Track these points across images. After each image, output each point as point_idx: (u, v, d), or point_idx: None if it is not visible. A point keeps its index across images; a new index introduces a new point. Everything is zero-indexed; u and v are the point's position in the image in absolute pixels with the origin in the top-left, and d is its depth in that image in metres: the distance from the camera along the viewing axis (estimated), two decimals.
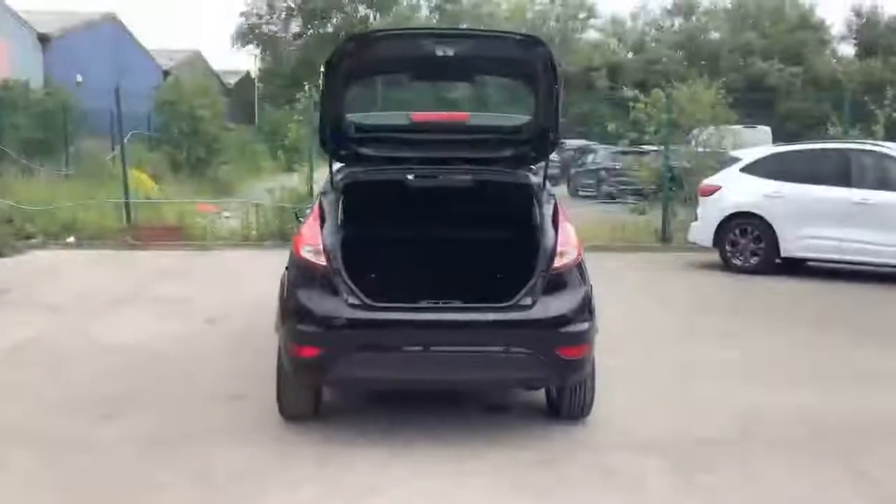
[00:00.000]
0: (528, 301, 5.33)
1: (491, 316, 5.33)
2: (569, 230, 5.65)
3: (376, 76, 7.18)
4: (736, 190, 12.79)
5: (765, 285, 11.79)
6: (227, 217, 17.20)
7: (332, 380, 5.55)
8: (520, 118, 6.45)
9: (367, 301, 5.27)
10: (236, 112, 40.59)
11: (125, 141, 16.77)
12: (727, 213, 12.73)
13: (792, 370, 7.53)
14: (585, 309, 5.46)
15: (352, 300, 5.27)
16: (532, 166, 6.44)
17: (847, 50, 52.93)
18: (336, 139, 6.05)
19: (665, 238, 15.72)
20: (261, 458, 5.31)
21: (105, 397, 6.47)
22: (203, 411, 6.17)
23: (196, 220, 16.20)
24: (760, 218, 12.45)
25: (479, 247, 6.59)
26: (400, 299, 5.56)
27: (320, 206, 5.73)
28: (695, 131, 16.11)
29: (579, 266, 5.57)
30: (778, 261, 12.48)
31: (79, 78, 27.37)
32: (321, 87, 5.87)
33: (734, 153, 13.97)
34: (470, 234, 6.56)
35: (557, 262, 5.45)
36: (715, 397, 6.61)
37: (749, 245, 12.60)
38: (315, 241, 5.45)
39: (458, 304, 5.63)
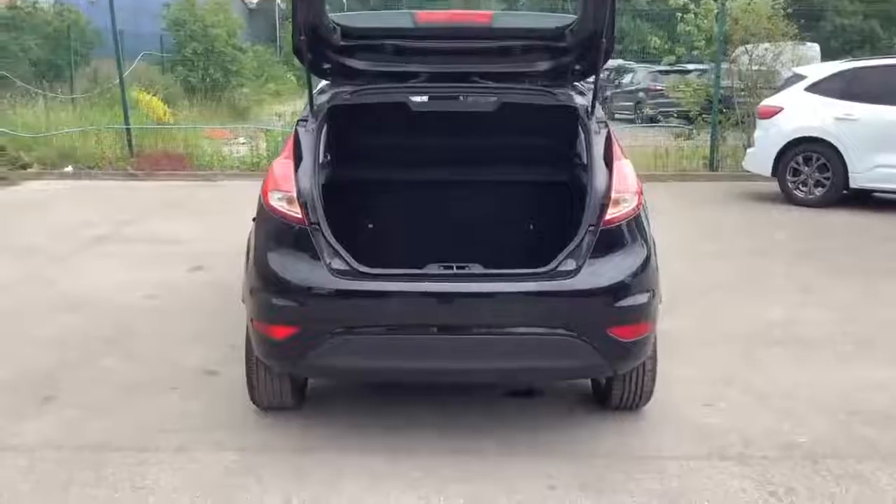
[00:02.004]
0: (571, 265, 4.04)
1: (521, 286, 4.05)
2: (626, 170, 4.32)
3: None
4: (800, 112, 11.33)
5: (834, 221, 10.40)
6: (242, 144, 16.03)
7: (313, 369, 4.30)
8: (561, 18, 4.99)
9: (358, 266, 4.03)
10: (259, 33, 39.31)
11: (136, 62, 15.72)
12: (790, 139, 11.31)
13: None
14: (647, 275, 4.17)
15: (337, 265, 4.03)
16: (578, 83, 5.05)
17: None
18: (316, 47, 4.66)
19: (713, 166, 14.31)
20: (221, 469, 4.13)
21: (48, 373, 5.31)
22: (156, 398, 4.95)
23: (204, 148, 15.02)
24: (828, 144, 11.05)
25: (506, 193, 5.22)
26: (401, 263, 4.32)
27: (296, 140, 4.42)
28: (748, 46, 14.50)
29: (639, 218, 4.25)
30: (845, 192, 11.10)
31: None
32: None
33: (798, 70, 12.43)
34: (494, 176, 5.18)
35: (611, 213, 4.14)
36: (809, 377, 5.30)
37: (814, 174, 11.22)
38: (287, 186, 4.17)
39: (477, 269, 4.32)
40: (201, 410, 4.75)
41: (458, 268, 4.27)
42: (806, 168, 11.24)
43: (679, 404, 4.79)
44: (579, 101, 4.73)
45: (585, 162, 4.42)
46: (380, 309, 4.07)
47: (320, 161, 4.41)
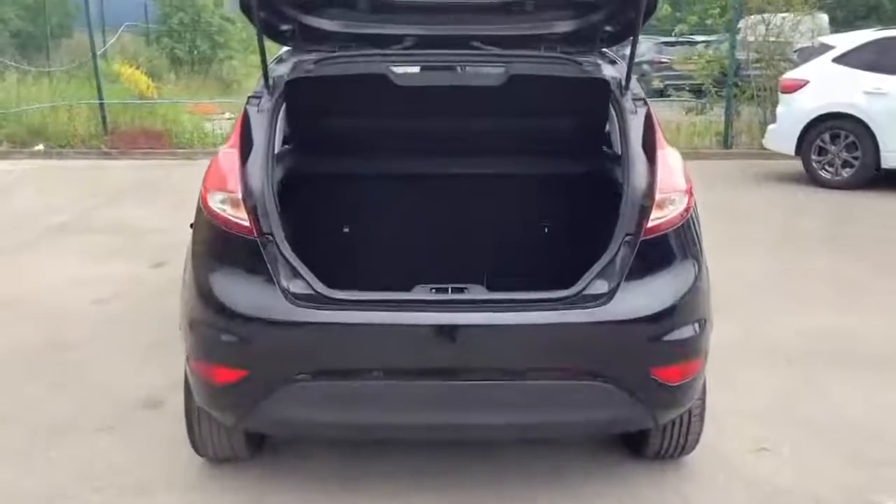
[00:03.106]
0: (602, 287, 3.14)
1: (537, 316, 3.12)
2: (672, 161, 3.39)
3: None
4: (827, 85, 10.38)
5: (866, 205, 9.48)
6: (227, 119, 15.09)
7: (267, 423, 3.36)
8: None
9: (323, 290, 3.12)
10: None
11: (119, 33, 14.80)
12: (815, 115, 10.38)
13: None
14: (699, 298, 3.28)
15: (296, 288, 3.12)
16: (608, 50, 4.08)
17: None
18: (270, 2, 3.64)
19: (727, 143, 13.40)
20: None
21: None
22: (79, 443, 4.01)
23: (184, 124, 14.10)
24: (857, 120, 10.12)
25: (515, 191, 4.26)
26: (382, 282, 3.45)
27: (244, 123, 3.47)
28: (765, 15, 13.54)
29: (689, 224, 3.33)
30: (876, 172, 10.19)
31: None
32: None
33: (825, 40, 11.49)
34: (501, 169, 4.20)
35: (654, 219, 3.21)
36: (885, 406, 4.39)
37: (841, 153, 10.30)
38: (232, 185, 3.25)
39: (479, 293, 3.41)
40: (135, 460, 3.83)
41: (453, 289, 3.34)
42: (833, 146, 10.33)
43: (728, 449, 3.89)
44: (610, 72, 3.76)
45: (619, 151, 3.49)
46: (353, 347, 3.15)
47: (276, 150, 3.49)
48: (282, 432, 3.70)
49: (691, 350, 3.22)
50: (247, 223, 3.17)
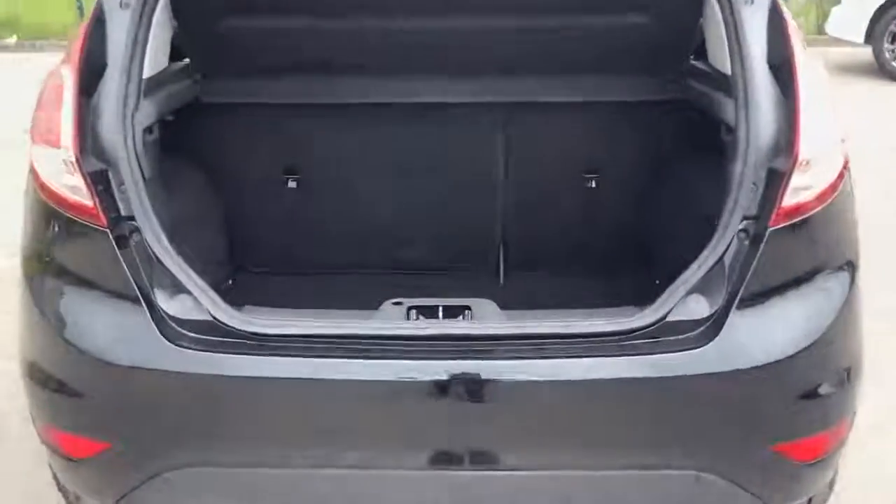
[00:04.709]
0: (702, 310, 1.92)
1: (590, 365, 1.89)
2: (820, 89, 2.04)
3: None
4: None
5: None
6: None
7: None
8: None
9: (225, 316, 1.94)
10: None
11: None
12: None
13: None
14: (852, 329, 2.05)
15: (179, 310, 1.96)
16: None
17: None
18: None
19: None
20: None
21: None
22: None
23: None
24: None
25: (549, 132, 2.91)
26: (332, 301, 2.27)
27: (93, 27, 2.14)
28: None
29: (843, 200, 2.05)
30: None
31: None
32: None
33: None
34: (525, 96, 2.82)
35: (794, 193, 1.94)
36: None
37: None
38: (61, 137, 1.99)
39: (488, 317, 2.06)
40: None
41: (443, 310, 2.06)
42: None
43: None
44: None
45: (728, 71, 2.18)
46: (274, 415, 1.98)
47: (152, 71, 2.22)
48: None
49: (837, 410, 2.03)
50: (89, 203, 1.95)
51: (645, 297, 2.00)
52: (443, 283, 2.64)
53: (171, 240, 1.99)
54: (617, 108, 2.81)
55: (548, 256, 2.98)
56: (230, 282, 2.85)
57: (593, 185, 2.96)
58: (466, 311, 2.03)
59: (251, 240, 2.94)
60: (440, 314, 2.03)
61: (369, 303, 2.06)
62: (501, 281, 2.94)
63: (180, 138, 2.46)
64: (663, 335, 1.89)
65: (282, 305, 2.14)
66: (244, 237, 2.92)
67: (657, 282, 2.17)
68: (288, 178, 2.90)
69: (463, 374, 1.86)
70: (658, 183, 2.80)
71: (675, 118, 2.72)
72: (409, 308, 2.03)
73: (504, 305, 2.09)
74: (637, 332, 1.89)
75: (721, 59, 2.23)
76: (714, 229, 1.96)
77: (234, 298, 2.09)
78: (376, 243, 2.92)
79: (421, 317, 2.01)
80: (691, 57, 2.57)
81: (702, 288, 1.93)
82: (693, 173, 2.51)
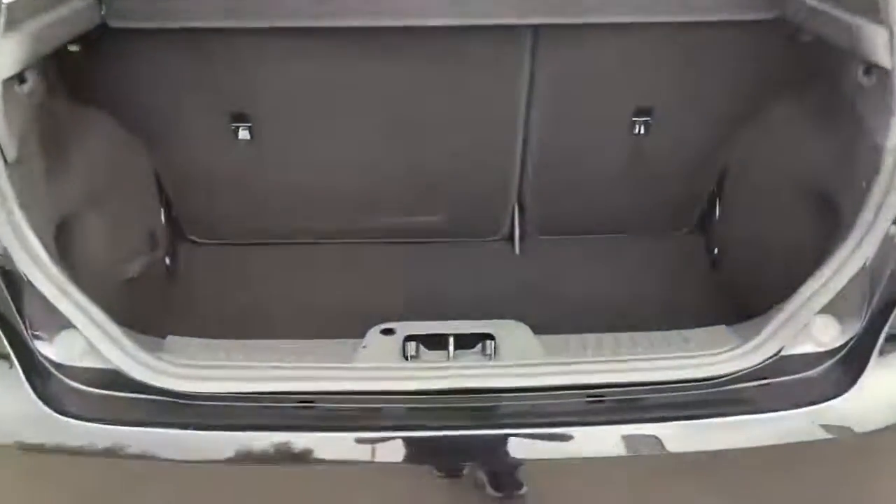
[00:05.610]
0: (833, 338, 1.29)
1: (676, 432, 1.27)
2: None
3: None
4: None
5: None
6: None
7: None
8: None
9: (132, 368, 1.32)
10: None
11: None
12: None
13: None
14: None
15: (66, 357, 1.33)
16: None
17: None
18: None
19: None
20: None
21: None
22: None
23: None
24: None
25: (587, 59, 2.21)
26: (301, 285, 1.99)
27: None
28: None
29: None
30: None
31: None
32: None
33: None
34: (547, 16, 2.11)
35: None
36: None
37: None
38: None
39: (525, 346, 1.39)
40: None
41: (454, 342, 1.39)
42: None
43: None
44: None
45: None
46: None
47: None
48: None
49: None
50: None
51: (701, 281, 1.38)
52: (441, 254, 2.07)
53: (68, 231, 1.43)
54: (680, 30, 2.10)
55: (573, 221, 2.36)
56: (167, 260, 2.23)
57: (641, 130, 2.29)
58: (488, 342, 1.37)
59: (196, 205, 2.32)
60: (450, 348, 1.36)
61: (352, 295, 1.43)
62: (517, 250, 2.30)
63: (82, 81, 1.84)
64: (771, 375, 1.28)
65: (236, 290, 1.51)
66: (187, 202, 2.30)
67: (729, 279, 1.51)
68: (238, 127, 2.25)
69: (485, 449, 1.22)
70: (733, 135, 2.14)
71: (772, 46, 2.03)
72: (406, 339, 1.38)
73: (523, 288, 1.46)
74: (745, 374, 1.26)
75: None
76: (837, 215, 1.34)
77: (174, 289, 1.43)
78: (355, 206, 2.30)
79: (422, 349, 1.36)
80: None
81: (832, 307, 1.31)
82: (796, 128, 1.86)
